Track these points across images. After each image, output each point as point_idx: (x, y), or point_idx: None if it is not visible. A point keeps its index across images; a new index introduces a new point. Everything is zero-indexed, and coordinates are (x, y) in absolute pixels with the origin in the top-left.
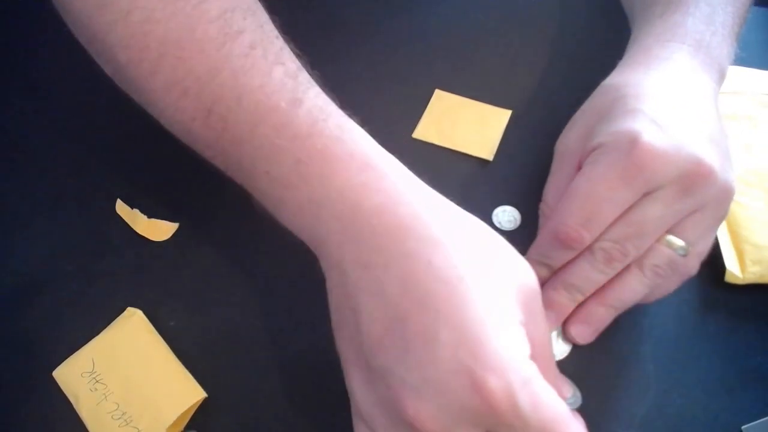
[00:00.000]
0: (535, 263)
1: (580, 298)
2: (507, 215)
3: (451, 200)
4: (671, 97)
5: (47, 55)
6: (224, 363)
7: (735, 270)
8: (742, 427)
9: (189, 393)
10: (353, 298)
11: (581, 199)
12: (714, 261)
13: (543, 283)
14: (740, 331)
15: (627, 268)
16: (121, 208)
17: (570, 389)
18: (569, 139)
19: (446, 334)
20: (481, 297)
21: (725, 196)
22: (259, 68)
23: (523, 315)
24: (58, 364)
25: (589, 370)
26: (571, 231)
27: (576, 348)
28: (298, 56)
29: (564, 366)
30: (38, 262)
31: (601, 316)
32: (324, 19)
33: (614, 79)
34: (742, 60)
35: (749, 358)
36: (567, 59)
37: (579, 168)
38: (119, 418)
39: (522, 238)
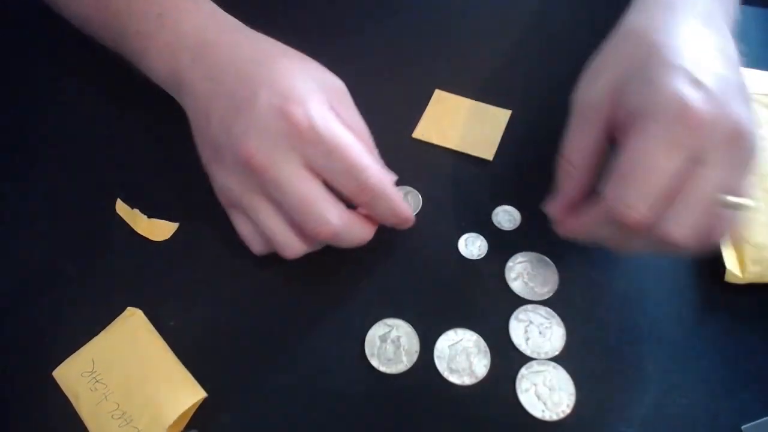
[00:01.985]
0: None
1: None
2: (507, 215)
3: (451, 200)
4: (704, 45)
5: (47, 55)
6: (224, 363)
7: (735, 270)
8: (742, 427)
9: (189, 393)
10: (205, 106)
11: (640, 175)
12: (714, 261)
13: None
14: (740, 331)
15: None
16: (121, 208)
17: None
18: (595, 92)
19: (264, 91)
20: (291, 69)
21: (754, 151)
22: None
23: (331, 101)
24: (58, 364)
25: (588, 369)
26: (641, 217)
27: (576, 347)
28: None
29: (564, 365)
30: (38, 262)
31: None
32: (324, 19)
33: (638, 21)
34: (742, 60)
35: (749, 359)
36: (567, 59)
37: (607, 124)
38: (119, 418)
39: (522, 238)
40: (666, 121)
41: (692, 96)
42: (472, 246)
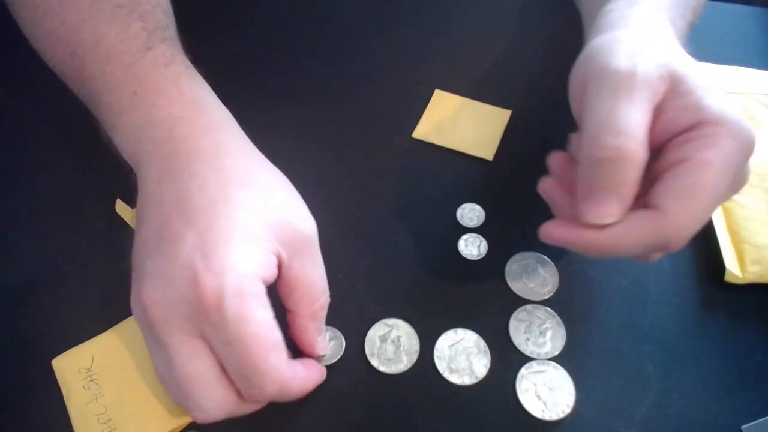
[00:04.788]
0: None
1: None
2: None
3: (451, 200)
4: None
5: None
6: None
7: (735, 270)
8: (742, 427)
9: (176, 414)
10: (143, 208)
11: (707, 199)
12: (714, 261)
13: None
14: (740, 331)
15: None
16: (121, 208)
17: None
18: (647, 65)
19: (191, 236)
20: (235, 217)
21: None
22: (119, 21)
23: (287, 253)
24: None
25: (589, 369)
26: (689, 237)
27: (576, 347)
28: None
29: (564, 365)
30: (38, 262)
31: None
32: (324, 19)
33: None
34: (742, 60)
35: (749, 358)
36: (567, 59)
37: (654, 103)
38: (104, 423)
39: (522, 238)
40: (740, 144)
41: (747, 126)
42: (472, 246)
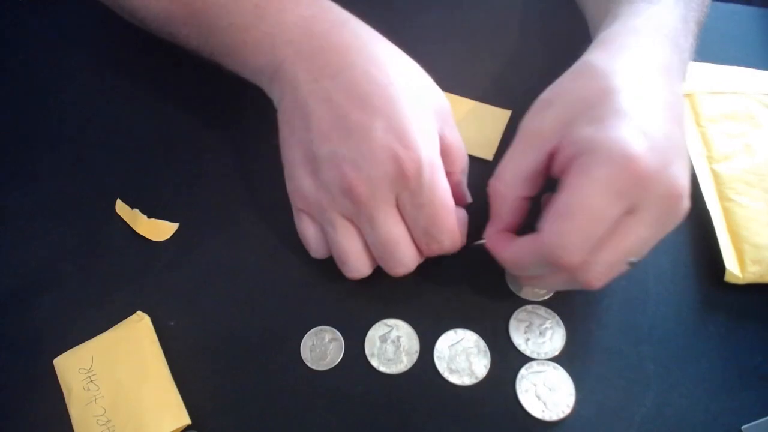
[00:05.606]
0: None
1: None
2: None
3: None
4: (656, 99)
5: (48, 55)
6: (224, 363)
7: (735, 270)
8: (742, 427)
9: (174, 416)
10: (304, 107)
11: (579, 219)
12: (714, 261)
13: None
14: (740, 331)
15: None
16: (121, 208)
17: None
18: (544, 122)
19: (379, 123)
20: (407, 99)
21: (683, 215)
22: None
23: (440, 125)
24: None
25: (589, 369)
26: (575, 260)
27: (575, 347)
28: None
29: (564, 365)
30: (38, 263)
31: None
32: None
33: (598, 58)
34: (742, 60)
35: (749, 358)
36: (567, 59)
37: (550, 155)
38: (103, 425)
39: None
40: (610, 167)
41: (639, 146)
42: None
